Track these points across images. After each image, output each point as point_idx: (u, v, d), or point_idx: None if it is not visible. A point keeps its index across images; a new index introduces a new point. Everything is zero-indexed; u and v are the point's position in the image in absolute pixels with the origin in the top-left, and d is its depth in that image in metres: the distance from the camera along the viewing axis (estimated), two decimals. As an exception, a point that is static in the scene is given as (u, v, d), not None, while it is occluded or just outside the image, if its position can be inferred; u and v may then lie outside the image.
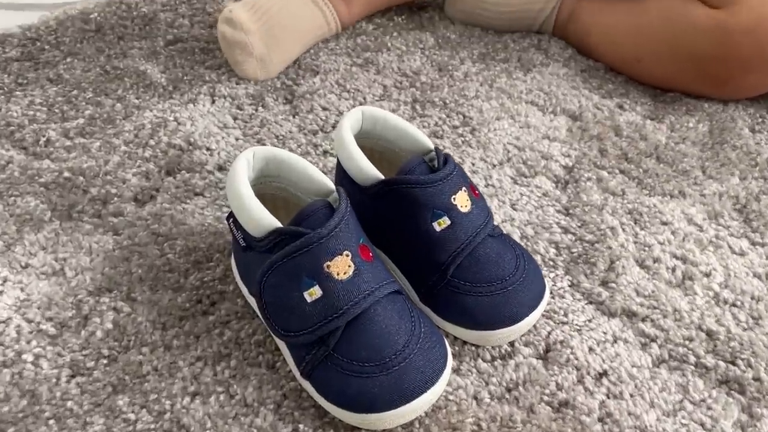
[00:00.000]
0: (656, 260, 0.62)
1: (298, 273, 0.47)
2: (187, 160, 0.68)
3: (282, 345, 0.51)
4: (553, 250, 0.62)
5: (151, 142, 0.69)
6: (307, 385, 0.49)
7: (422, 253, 0.54)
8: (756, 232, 0.65)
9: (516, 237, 0.63)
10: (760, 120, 0.77)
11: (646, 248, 0.63)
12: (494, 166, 0.70)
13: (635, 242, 0.63)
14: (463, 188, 0.54)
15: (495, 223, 0.63)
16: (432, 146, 0.57)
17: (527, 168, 0.70)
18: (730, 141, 0.74)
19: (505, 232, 0.63)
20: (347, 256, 0.48)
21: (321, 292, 0.47)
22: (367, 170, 0.54)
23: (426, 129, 0.74)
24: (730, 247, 0.63)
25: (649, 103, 0.79)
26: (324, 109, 0.75)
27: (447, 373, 0.49)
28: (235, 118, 0.73)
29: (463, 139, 0.73)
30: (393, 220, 0.54)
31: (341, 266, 0.47)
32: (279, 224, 0.48)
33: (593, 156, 0.72)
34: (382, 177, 0.54)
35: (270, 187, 0.56)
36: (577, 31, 0.85)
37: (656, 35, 0.76)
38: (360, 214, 0.54)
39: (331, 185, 0.52)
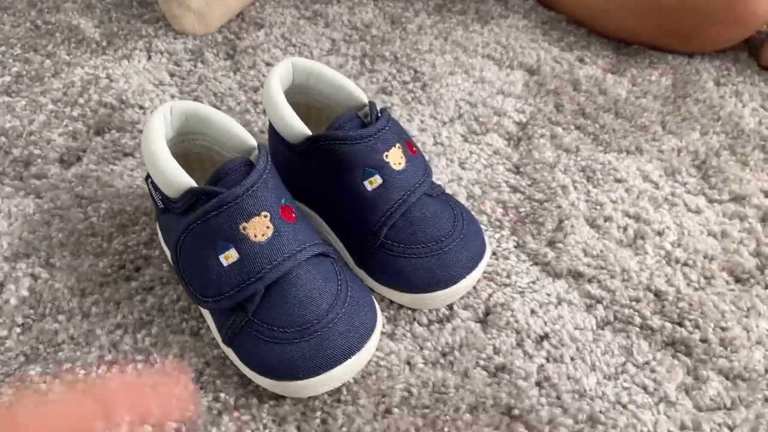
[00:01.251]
0: (607, 219, 0.59)
1: (213, 236, 0.44)
2: (118, 119, 0.64)
3: (205, 311, 0.49)
4: (500, 210, 0.59)
5: (81, 101, 0.65)
6: (229, 353, 0.47)
7: (354, 215, 0.51)
8: (714, 188, 0.62)
9: (462, 197, 0.60)
10: (725, 72, 0.74)
11: (598, 207, 0.60)
12: (444, 123, 0.67)
13: (587, 201, 0.60)
14: (398, 144, 0.51)
15: (438, 182, 0.60)
16: (366, 101, 0.53)
17: (479, 125, 0.67)
18: (693, 94, 0.71)
19: (451, 192, 0.60)
20: (265, 217, 0.45)
21: (237, 256, 0.44)
22: (295, 126, 0.50)
23: (374, 85, 0.70)
24: (686, 205, 0.61)
25: (611, 56, 0.76)
26: (267, 64, 0.71)
27: (374, 339, 0.46)
28: (171, 75, 0.69)
29: (413, 95, 0.70)
30: (323, 180, 0.51)
31: (258, 228, 0.44)
32: (193, 184, 0.45)
33: (548, 111, 0.69)
34: (310, 133, 0.50)
35: (194, 146, 0.52)
36: None
37: None
38: (290, 174, 0.51)
39: (254, 142, 0.49)
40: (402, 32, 0.76)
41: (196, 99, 0.67)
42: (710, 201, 0.61)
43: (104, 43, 0.72)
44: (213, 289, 0.45)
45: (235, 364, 0.47)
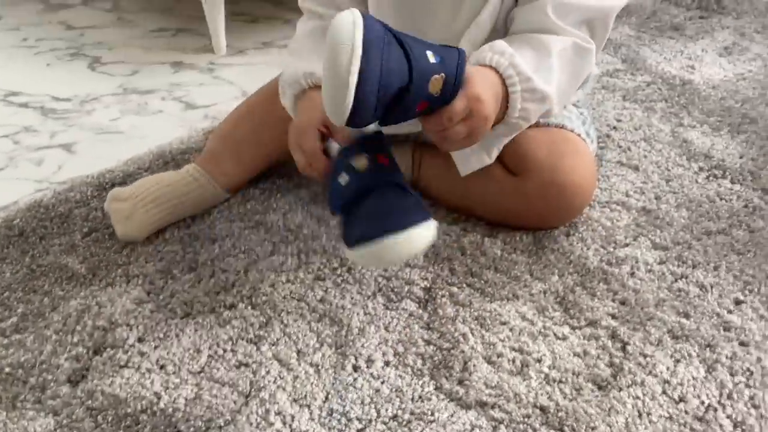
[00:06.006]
0: (499, 355, 0.78)
1: (337, 166, 0.76)
2: (111, 337, 0.81)
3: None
4: (420, 362, 0.78)
5: (78, 328, 0.82)
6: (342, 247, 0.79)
7: None
8: (573, 318, 0.84)
9: (390, 355, 0.79)
10: (572, 225, 0.98)
11: (491, 346, 0.79)
12: (369, 295, 0.87)
13: (482, 343, 0.80)
14: None
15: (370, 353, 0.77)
16: None
17: (395, 295, 0.87)
18: (548, 246, 0.94)
19: (376, 356, 0.78)
20: (366, 158, 0.74)
21: (348, 179, 0.73)
22: None
23: (310, 274, 0.90)
24: (554, 335, 0.81)
25: (484, 224, 0.99)
26: (224, 271, 0.90)
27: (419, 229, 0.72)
28: (148, 293, 0.87)
29: (342, 278, 0.89)
30: None
31: (361, 163, 0.73)
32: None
33: (445, 275, 0.90)
34: None
35: None
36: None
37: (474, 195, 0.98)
38: None
39: None
40: (326, 228, 0.98)
41: (171, 310, 0.84)
42: (572, 328, 0.82)
43: (90, 276, 0.89)
44: (335, 199, 0.75)
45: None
